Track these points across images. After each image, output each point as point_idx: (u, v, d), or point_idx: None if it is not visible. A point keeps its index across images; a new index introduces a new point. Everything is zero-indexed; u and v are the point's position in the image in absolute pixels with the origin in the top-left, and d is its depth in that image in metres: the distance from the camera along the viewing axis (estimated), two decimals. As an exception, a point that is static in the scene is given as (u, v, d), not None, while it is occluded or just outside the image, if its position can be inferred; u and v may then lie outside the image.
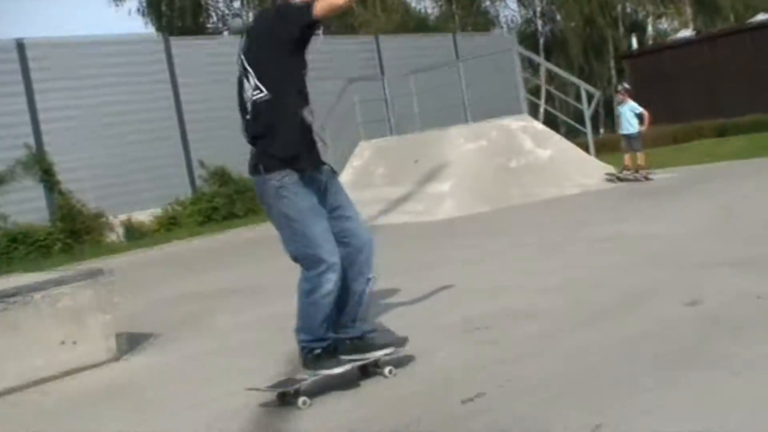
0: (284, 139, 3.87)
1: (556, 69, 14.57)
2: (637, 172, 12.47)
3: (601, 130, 36.80)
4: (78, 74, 16.40)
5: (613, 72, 36.54)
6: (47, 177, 15.65)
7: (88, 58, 16.64)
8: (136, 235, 16.35)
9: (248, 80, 3.99)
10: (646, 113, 12.71)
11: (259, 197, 4.05)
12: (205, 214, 17.17)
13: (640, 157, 12.70)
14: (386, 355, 4.11)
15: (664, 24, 40.07)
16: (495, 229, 9.45)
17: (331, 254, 3.87)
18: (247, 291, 7.71)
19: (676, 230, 7.23)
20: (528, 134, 13.26)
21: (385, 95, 19.53)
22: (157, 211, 16.98)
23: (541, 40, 36.97)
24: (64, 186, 15.87)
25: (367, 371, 4.16)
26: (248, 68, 3.97)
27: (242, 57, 4.03)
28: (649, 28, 37.95)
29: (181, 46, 18.46)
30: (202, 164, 17.83)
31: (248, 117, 3.99)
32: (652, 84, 25.02)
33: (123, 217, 16.52)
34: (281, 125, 3.87)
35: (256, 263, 9.57)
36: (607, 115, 36.94)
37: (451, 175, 12.45)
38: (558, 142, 13.33)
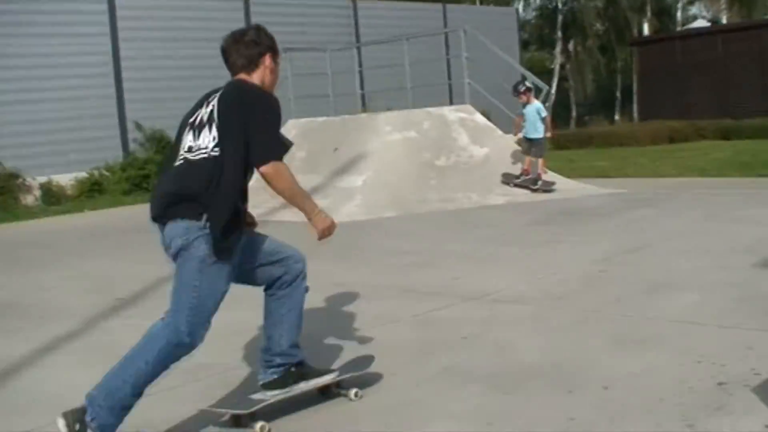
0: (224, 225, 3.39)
1: (502, 54, 12.64)
2: (536, 183, 10.94)
3: (617, 118, 34.81)
4: (1, 20, 14.96)
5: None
6: (-45, 130, 14.33)
7: (16, 3, 15.17)
8: (52, 200, 15.04)
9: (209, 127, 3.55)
10: (548, 118, 11.27)
11: (179, 243, 3.39)
12: (134, 182, 15.78)
13: (540, 164, 11.17)
14: (333, 380, 3.82)
15: (695, 10, 37.78)
16: (329, 257, 7.82)
17: (201, 339, 3.45)
18: (23, 309, 6.28)
19: (511, 290, 5.64)
20: (466, 128, 11.66)
21: (355, 68, 18.08)
22: (82, 174, 15.62)
23: (560, 18, 34.93)
24: (-24, 141, 14.55)
25: (330, 393, 3.84)
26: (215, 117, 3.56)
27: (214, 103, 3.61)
28: (678, 14, 35.70)
29: (127, -5, 16.93)
30: (138, 126, 16.40)
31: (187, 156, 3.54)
32: (660, 75, 23.14)
33: (43, 179, 15.20)
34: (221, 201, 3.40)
35: (102, 258, 8.16)
36: (625, 103, 34.94)
37: (367, 169, 10.93)
38: (498, 139, 11.70)
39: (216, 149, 3.45)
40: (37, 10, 15.31)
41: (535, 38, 38.08)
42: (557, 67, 34.66)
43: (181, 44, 16.83)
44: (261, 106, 3.51)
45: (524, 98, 11.25)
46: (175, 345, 3.34)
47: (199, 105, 3.68)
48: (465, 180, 10.89)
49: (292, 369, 3.69)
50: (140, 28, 16.47)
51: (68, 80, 15.56)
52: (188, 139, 3.57)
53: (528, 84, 11.51)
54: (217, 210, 3.36)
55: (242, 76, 3.68)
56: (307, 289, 3.75)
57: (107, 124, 16.15)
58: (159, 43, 16.63)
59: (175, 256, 3.40)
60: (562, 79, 35.97)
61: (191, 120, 3.62)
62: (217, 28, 17.17)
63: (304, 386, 3.71)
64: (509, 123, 12.49)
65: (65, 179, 15.41)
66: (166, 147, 16.26)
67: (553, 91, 34.61)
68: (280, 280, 3.67)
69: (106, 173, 15.87)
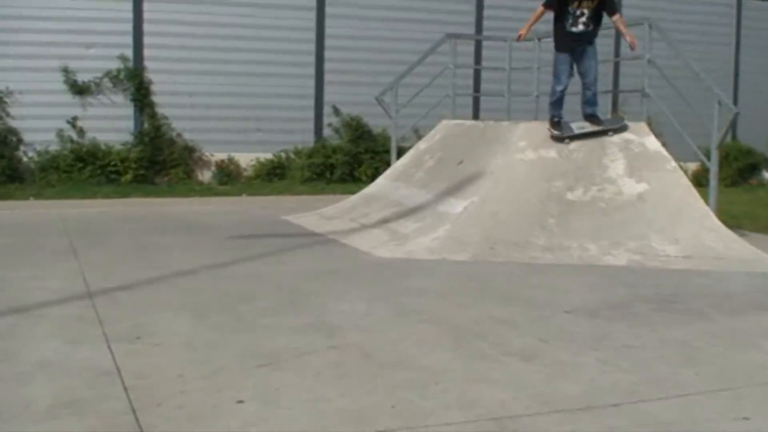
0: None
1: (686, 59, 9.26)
2: None
3: None
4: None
5: None
6: (139, 96, 13.99)
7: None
8: (225, 180, 14.28)
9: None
10: None
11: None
12: (316, 170, 14.54)
13: None
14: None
15: None
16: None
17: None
18: None
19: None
20: (626, 154, 8.75)
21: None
22: (267, 156, 14.69)
23: None
24: (159, 110, 14.14)
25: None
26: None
27: None
28: None
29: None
30: (336, 111, 15.10)
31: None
32: None
33: (222, 155, 14.50)
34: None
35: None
36: None
37: (476, 193, 8.54)
38: (667, 173, 8.56)
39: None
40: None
41: None
42: None
43: (388, 25, 15.28)
44: None
45: None
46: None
47: None
48: (596, 224, 8.08)
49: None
50: (350, 4, 15.10)
51: (265, 54, 14.66)
52: None
53: None
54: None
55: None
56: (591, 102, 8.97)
57: (302, 105, 15.05)
58: (374, 23, 15.18)
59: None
60: None
61: None
62: (436, 9, 15.39)
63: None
64: (687, 152, 9.46)
65: (246, 159, 14.59)
66: (363, 135, 14.92)
67: None
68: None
69: (293, 157, 14.80)
